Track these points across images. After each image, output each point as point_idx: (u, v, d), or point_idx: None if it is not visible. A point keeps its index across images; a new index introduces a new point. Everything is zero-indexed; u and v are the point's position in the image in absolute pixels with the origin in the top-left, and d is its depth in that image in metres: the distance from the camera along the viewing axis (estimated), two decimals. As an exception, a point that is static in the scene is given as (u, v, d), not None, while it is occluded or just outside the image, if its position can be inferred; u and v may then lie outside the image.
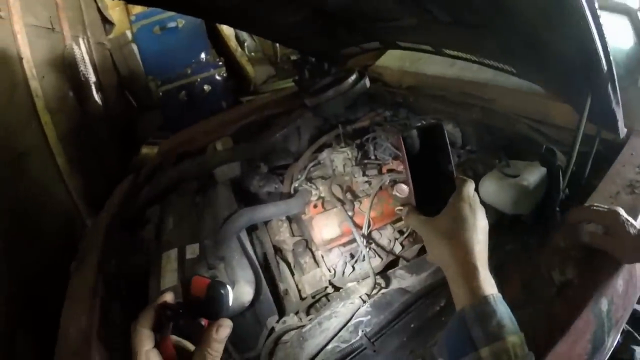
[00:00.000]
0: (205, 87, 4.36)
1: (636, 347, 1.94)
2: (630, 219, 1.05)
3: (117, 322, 1.45)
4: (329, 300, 1.56)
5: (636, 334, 2.00)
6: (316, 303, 1.56)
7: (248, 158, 2.09)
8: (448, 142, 0.82)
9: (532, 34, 1.18)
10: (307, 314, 1.50)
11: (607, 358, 1.07)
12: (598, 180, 1.35)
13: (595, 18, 0.95)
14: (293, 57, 5.00)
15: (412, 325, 1.16)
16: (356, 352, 1.14)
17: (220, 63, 4.44)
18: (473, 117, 1.83)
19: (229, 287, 0.73)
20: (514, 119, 1.74)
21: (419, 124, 1.77)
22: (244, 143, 2.25)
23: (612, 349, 1.09)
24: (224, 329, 0.71)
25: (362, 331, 1.18)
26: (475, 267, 0.73)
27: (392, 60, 2.62)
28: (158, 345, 0.71)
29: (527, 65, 1.44)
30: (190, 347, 0.75)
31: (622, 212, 1.05)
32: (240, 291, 1.36)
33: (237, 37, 4.92)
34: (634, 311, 2.28)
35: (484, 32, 1.34)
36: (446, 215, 0.80)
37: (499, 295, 0.72)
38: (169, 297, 0.75)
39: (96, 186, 3.28)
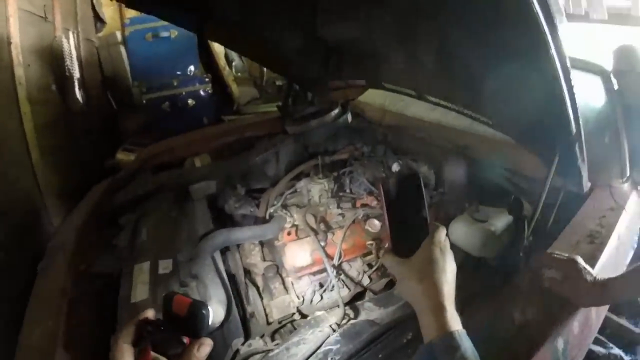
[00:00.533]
0: (190, 100, 4.37)
1: None
2: (587, 267, 1.14)
3: (84, 325, 1.43)
4: (294, 327, 1.58)
5: None
6: (281, 329, 1.59)
7: (225, 177, 2.11)
8: (424, 191, 0.88)
9: (510, 90, 1.28)
10: (272, 338, 1.52)
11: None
12: (560, 229, 1.45)
13: (569, 84, 1.05)
14: (278, 82, 5.12)
15: (379, 356, 1.20)
16: None
17: (207, 79, 4.45)
18: (448, 162, 1.90)
19: (210, 308, 0.75)
20: (485, 166, 1.82)
21: (399, 171, 1.85)
22: (222, 161, 2.29)
23: None
24: (205, 347, 0.73)
25: (332, 358, 1.22)
26: (443, 305, 0.79)
27: (374, 97, 2.69)
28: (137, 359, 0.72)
29: (502, 119, 1.53)
30: None
31: (580, 260, 1.15)
32: (212, 311, 1.36)
33: (226, 56, 4.95)
34: (589, 351, 2.38)
35: (465, 81, 1.43)
36: (419, 257, 0.85)
37: (464, 331, 0.78)
38: (150, 314, 0.76)
39: (68, 185, 3.23)
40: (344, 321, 1.45)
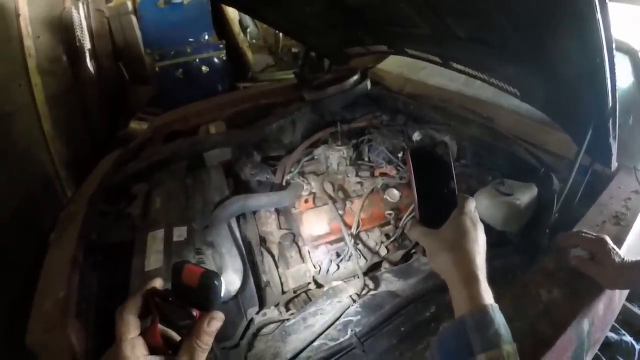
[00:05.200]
0: (203, 67, 4.29)
1: None
2: (615, 247, 1.10)
3: (95, 297, 1.41)
4: (309, 297, 1.56)
5: (604, 358, 2.13)
6: (295, 298, 1.56)
7: (240, 144, 2.07)
8: (452, 160, 0.84)
9: (547, 62, 1.21)
10: (287, 308, 1.50)
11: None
12: (585, 209, 1.40)
13: (610, 54, 0.99)
14: (294, 49, 5.04)
15: (402, 329, 1.17)
16: (345, 351, 1.14)
17: (221, 46, 4.37)
18: (471, 133, 1.84)
19: (222, 279, 0.70)
20: (511, 140, 1.76)
21: (425, 140, 1.80)
22: (237, 129, 2.23)
23: None
24: (216, 322, 0.69)
25: (352, 330, 1.18)
26: (477, 277, 0.76)
27: (394, 65, 2.62)
28: (144, 333, 0.68)
29: (534, 90, 1.46)
30: (176, 337, 0.72)
31: (609, 240, 1.11)
32: (227, 280, 1.33)
33: (240, 22, 4.87)
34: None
35: (499, 52, 1.36)
36: (449, 228, 0.82)
37: (497, 305, 0.74)
38: (157, 283, 0.73)
39: (80, 154, 3.25)
40: (363, 292, 1.41)
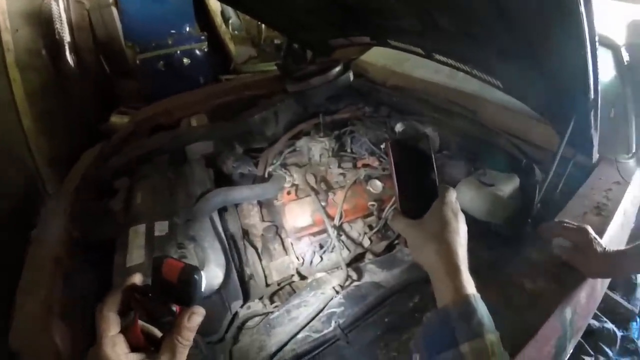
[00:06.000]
0: (185, 60, 4.25)
1: (586, 358, 2.09)
2: (597, 237, 1.13)
3: (79, 295, 1.38)
4: (293, 289, 1.57)
5: (586, 346, 2.15)
6: (279, 290, 1.57)
7: (222, 137, 2.06)
8: (432, 153, 0.85)
9: (531, 55, 1.21)
10: (271, 301, 1.51)
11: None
12: (567, 200, 1.42)
13: (593, 47, 1.00)
14: (277, 41, 5.02)
15: (386, 320, 1.17)
16: (329, 343, 1.14)
17: (203, 37, 4.34)
18: (455, 125, 1.85)
19: (202, 273, 0.69)
20: (494, 132, 1.77)
21: (406, 131, 1.80)
22: (220, 122, 2.22)
23: (568, 355, 1.16)
24: (197, 317, 0.69)
25: (336, 322, 1.19)
26: (459, 267, 0.76)
27: (377, 57, 2.62)
28: (125, 329, 0.67)
29: (517, 81, 1.47)
30: (158, 333, 0.72)
31: (590, 230, 1.13)
32: (210, 274, 1.33)
33: (222, 14, 4.83)
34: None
35: (483, 44, 1.36)
36: (430, 219, 0.83)
37: (479, 295, 0.75)
38: (137, 279, 0.72)
39: (61, 150, 3.17)
40: (347, 283, 1.42)
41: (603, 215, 1.37)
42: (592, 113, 1.22)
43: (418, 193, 0.86)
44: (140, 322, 0.69)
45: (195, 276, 0.67)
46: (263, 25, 4.90)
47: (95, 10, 4.49)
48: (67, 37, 3.74)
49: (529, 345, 0.97)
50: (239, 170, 1.87)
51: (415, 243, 0.85)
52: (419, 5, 1.43)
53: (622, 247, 1.13)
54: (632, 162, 1.66)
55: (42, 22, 3.48)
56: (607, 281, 1.46)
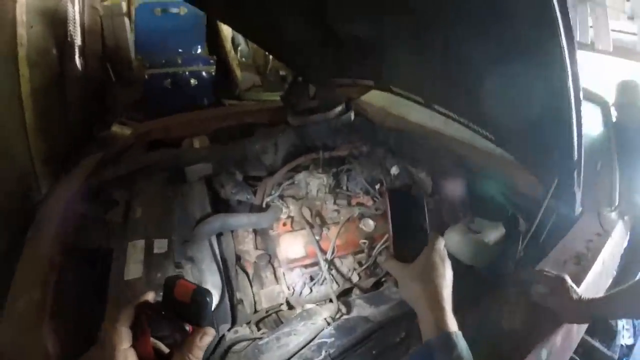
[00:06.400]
0: (192, 80, 4.32)
1: None
2: (574, 285, 1.22)
3: (71, 299, 1.40)
4: (279, 318, 1.61)
5: None
6: (266, 318, 1.61)
7: (222, 161, 2.11)
8: (425, 205, 0.93)
9: (523, 117, 1.31)
10: (258, 327, 1.55)
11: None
12: (550, 248, 1.50)
13: (579, 117, 1.08)
14: (282, 72, 5.10)
15: (373, 352, 1.24)
16: None
17: (212, 61, 4.42)
18: (446, 170, 1.93)
19: (212, 295, 0.74)
20: (483, 179, 1.85)
21: (402, 176, 1.87)
22: (220, 145, 2.27)
23: None
24: (208, 337, 0.72)
25: (326, 352, 1.25)
26: (443, 307, 0.85)
27: (377, 98, 2.67)
28: (135, 344, 0.69)
29: (509, 138, 1.56)
30: (165, 349, 0.75)
31: (568, 279, 1.22)
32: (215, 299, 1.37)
33: (232, 40, 4.92)
34: None
35: (475, 98, 1.45)
36: (421, 263, 0.92)
37: (460, 332, 0.83)
38: (150, 297, 0.75)
39: (57, 151, 3.18)
40: (337, 316, 1.48)
41: (582, 264, 1.44)
42: (575, 173, 1.30)
43: (410, 239, 0.95)
44: (151, 339, 0.72)
45: (207, 298, 0.71)
46: (270, 56, 4.98)
47: (108, 18, 4.57)
48: (78, 41, 3.80)
49: None
50: (237, 197, 1.92)
51: (404, 283, 0.94)
52: (410, 47, 1.52)
53: (600, 294, 1.23)
54: (614, 215, 1.73)
55: (57, 22, 3.53)
56: (584, 327, 1.52)
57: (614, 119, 1.89)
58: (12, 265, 1.48)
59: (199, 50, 4.48)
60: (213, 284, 1.44)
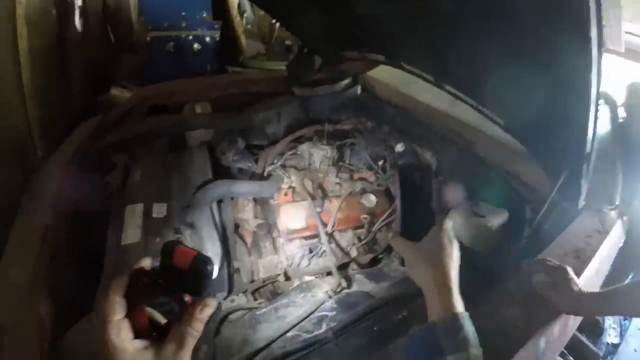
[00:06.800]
0: (195, 45, 4.18)
1: None
2: (575, 277, 1.21)
3: (67, 267, 1.37)
4: (274, 288, 1.61)
5: None
6: (262, 288, 1.60)
7: (224, 128, 2.08)
8: (435, 188, 0.93)
9: (539, 104, 1.28)
10: (254, 297, 1.54)
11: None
12: (549, 240, 1.48)
13: (596, 108, 1.09)
14: (287, 42, 5.02)
15: (375, 328, 1.23)
16: (319, 344, 1.18)
17: (217, 26, 4.28)
18: (452, 153, 1.90)
19: (214, 264, 0.70)
20: (489, 165, 1.83)
21: (407, 155, 1.86)
22: (223, 113, 2.23)
23: None
24: (209, 309, 0.67)
25: (327, 325, 1.24)
26: (450, 288, 0.85)
27: (384, 75, 2.62)
28: (129, 314, 0.65)
29: (520, 125, 1.54)
30: (161, 319, 0.70)
31: (570, 270, 1.22)
32: (216, 268, 1.35)
33: (239, 6, 4.80)
34: None
35: (492, 83, 1.43)
36: (429, 243, 0.93)
37: (467, 313, 0.83)
38: (146, 263, 0.69)
39: (56, 116, 3.11)
40: (338, 289, 1.47)
41: (581, 259, 1.43)
42: (584, 166, 1.30)
43: (417, 218, 0.94)
44: (147, 309, 0.68)
45: (209, 267, 0.66)
46: (277, 25, 4.89)
47: (109, -24, 4.44)
48: (78, 1, 3.70)
49: None
50: (239, 165, 1.90)
51: (412, 262, 0.95)
52: (434, 39, 1.48)
53: (595, 291, 1.21)
54: (614, 214, 1.73)
55: (56, -21, 3.41)
56: (578, 320, 1.51)
57: (620, 119, 1.89)
58: (5, 232, 1.40)
59: (204, 15, 4.34)
60: (213, 252, 1.41)
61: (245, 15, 4.97)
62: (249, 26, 5.02)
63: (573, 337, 2.94)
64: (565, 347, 2.84)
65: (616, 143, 1.84)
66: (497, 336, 1.10)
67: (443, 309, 0.83)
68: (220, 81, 2.78)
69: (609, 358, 3.50)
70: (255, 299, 1.52)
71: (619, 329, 3.72)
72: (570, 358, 2.85)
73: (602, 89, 1.89)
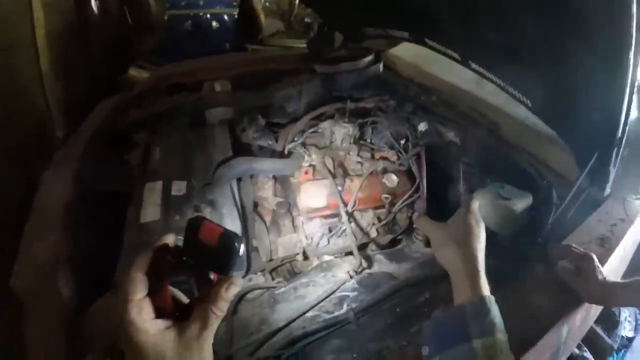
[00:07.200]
0: (214, 23, 4.17)
1: None
2: (600, 265, 1.17)
3: (86, 244, 1.36)
4: (292, 268, 1.60)
5: None
6: (279, 267, 1.59)
7: (244, 106, 2.04)
8: (462, 170, 0.90)
9: (571, 86, 1.25)
10: (271, 276, 1.53)
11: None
12: (573, 227, 1.46)
13: (631, 92, 1.05)
14: (307, 19, 4.95)
15: (397, 310, 1.22)
16: (340, 325, 1.17)
17: (235, 3, 4.26)
18: (477, 134, 1.86)
19: (242, 241, 0.64)
20: (514, 148, 1.79)
21: (430, 134, 1.82)
22: (243, 91, 2.20)
23: None
24: (235, 288, 0.63)
25: (348, 306, 1.22)
26: (478, 270, 0.84)
27: (407, 53, 2.57)
28: (152, 293, 0.62)
29: (548, 107, 1.50)
30: (184, 299, 0.68)
31: (595, 258, 1.18)
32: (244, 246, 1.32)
33: (258, -18, 4.75)
34: None
35: (525, 65, 1.39)
36: (455, 224, 0.91)
37: (493, 297, 0.81)
38: (170, 240, 0.66)
39: (75, 96, 3.12)
40: (359, 269, 1.45)
41: (605, 247, 1.40)
42: (614, 151, 1.27)
43: (443, 198, 0.91)
44: (170, 288, 0.66)
45: (236, 243, 0.62)
46: (296, 1, 4.83)
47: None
48: (94, -19, 3.69)
49: (528, 353, 1.01)
50: (259, 142, 1.87)
51: (439, 244, 0.92)
52: (465, 13, 1.43)
53: (617, 278, 1.19)
54: (638, 203, 1.70)
55: (70, -40, 3.39)
56: (599, 310, 1.50)
57: None
58: (26, 211, 1.41)
59: None
60: (234, 230, 1.37)
61: (264, -8, 4.90)
62: (267, 4, 4.96)
63: (589, 328, 2.94)
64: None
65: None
66: (523, 322, 1.08)
67: (470, 292, 0.81)
68: (239, 59, 2.77)
69: (622, 351, 3.48)
70: (273, 279, 1.51)
71: (634, 323, 3.68)
72: (584, 348, 2.84)
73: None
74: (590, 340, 2.93)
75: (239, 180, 1.69)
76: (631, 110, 1.81)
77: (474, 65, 1.72)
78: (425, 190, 0.89)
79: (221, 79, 2.30)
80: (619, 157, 1.30)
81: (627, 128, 1.19)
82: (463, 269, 0.85)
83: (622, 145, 1.25)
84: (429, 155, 1.66)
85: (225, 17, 4.26)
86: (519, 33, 1.29)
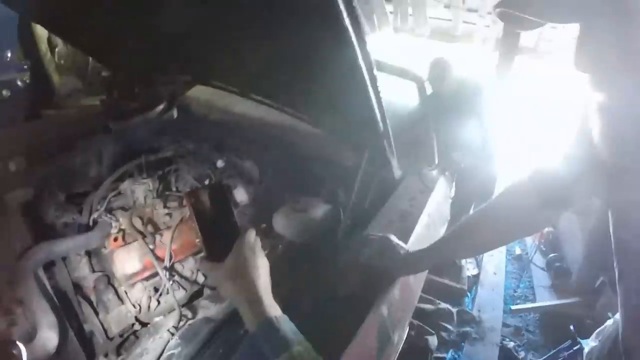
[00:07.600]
0: (4, 92, 3.81)
1: (428, 337, 2.62)
2: (400, 242, 1.37)
3: None
4: (137, 338, 1.57)
5: (426, 327, 2.66)
6: (125, 342, 1.57)
7: (42, 183, 1.94)
8: (229, 199, 0.99)
9: (326, 94, 1.42)
10: (118, 354, 1.51)
11: (400, 348, 1.39)
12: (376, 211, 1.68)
13: (376, 90, 1.20)
14: (104, 73, 4.72)
15: (220, 351, 1.28)
16: None
17: (25, 67, 3.94)
18: (272, 156, 2.01)
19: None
20: (309, 159, 1.97)
21: (208, 184, 1.92)
22: (39, 165, 2.08)
23: (401, 341, 1.40)
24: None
25: None
26: (259, 296, 0.90)
27: (202, 92, 2.66)
28: None
29: (322, 118, 1.72)
30: None
31: (392, 237, 1.38)
32: (43, 338, 1.28)
33: (49, 40, 4.40)
34: (420, 309, 2.93)
35: (284, 85, 1.55)
36: (231, 259, 0.96)
37: (285, 316, 0.89)
38: None
39: None
40: (182, 323, 1.49)
41: (408, 221, 1.64)
42: (384, 142, 1.47)
43: (221, 237, 0.99)
44: None
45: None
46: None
47: None
48: None
49: (351, 344, 1.12)
50: (63, 220, 1.80)
51: (218, 283, 0.99)
52: (230, 55, 1.57)
53: (432, 242, 1.35)
54: (435, 172, 2.03)
55: None
56: (422, 275, 1.69)
57: (429, 92, 2.22)
58: None
59: (10, 55, 3.95)
60: (49, 325, 1.32)
61: (57, 49, 4.58)
62: (62, 61, 4.65)
63: (437, 283, 3.39)
64: (433, 293, 3.25)
65: (428, 112, 2.13)
66: (339, 315, 1.21)
67: (256, 319, 0.87)
68: (33, 128, 2.64)
69: (474, 288, 4.03)
70: (120, 356, 1.50)
71: (474, 261, 4.27)
72: (438, 301, 3.24)
73: (408, 69, 2.24)
74: (443, 293, 3.36)
75: (52, 265, 1.63)
76: (413, 98, 2.18)
77: (253, 96, 1.88)
78: (201, 234, 0.96)
79: (15, 157, 2.17)
80: (392, 144, 1.52)
81: (387, 123, 1.37)
82: (245, 300, 0.90)
83: (390, 135, 1.45)
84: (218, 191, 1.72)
85: (19, 82, 3.92)
86: (269, 61, 1.43)
